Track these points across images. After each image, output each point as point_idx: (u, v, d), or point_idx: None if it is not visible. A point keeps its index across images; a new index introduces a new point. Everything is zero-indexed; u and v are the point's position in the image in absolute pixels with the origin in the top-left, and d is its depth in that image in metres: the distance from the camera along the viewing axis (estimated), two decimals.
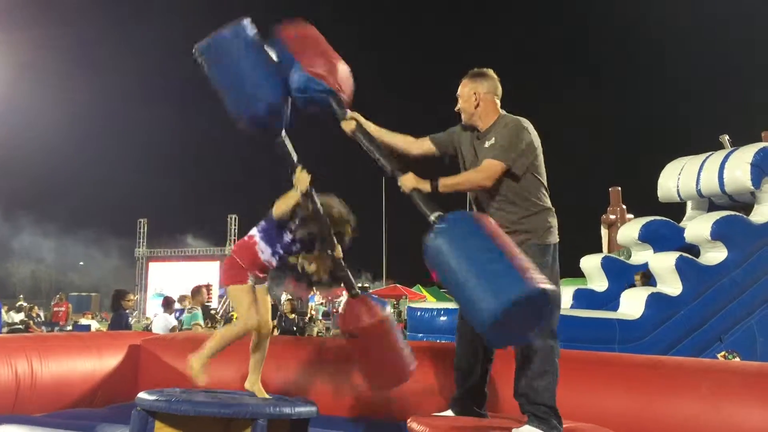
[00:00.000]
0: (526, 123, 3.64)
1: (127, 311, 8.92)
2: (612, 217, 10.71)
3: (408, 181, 3.35)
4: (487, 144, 3.60)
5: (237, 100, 3.53)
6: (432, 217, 3.12)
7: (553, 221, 3.59)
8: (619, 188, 10.82)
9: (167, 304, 10.04)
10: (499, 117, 3.67)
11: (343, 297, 3.99)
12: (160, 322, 9.36)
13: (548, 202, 3.61)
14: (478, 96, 3.67)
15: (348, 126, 3.56)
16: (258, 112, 3.49)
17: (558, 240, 3.60)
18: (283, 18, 3.67)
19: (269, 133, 3.61)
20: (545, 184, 3.62)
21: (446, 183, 3.44)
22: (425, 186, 3.36)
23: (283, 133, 3.69)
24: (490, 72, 3.75)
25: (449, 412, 3.67)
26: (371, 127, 3.64)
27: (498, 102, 3.73)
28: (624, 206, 10.78)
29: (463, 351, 3.68)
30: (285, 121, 3.63)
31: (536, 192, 3.55)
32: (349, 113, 3.60)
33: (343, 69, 3.64)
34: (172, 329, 8.97)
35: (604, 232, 11.37)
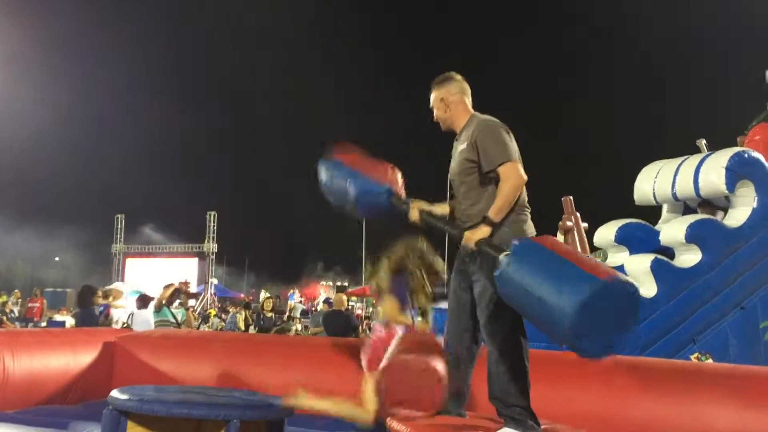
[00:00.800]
0: (497, 121, 3.67)
1: (96, 308, 8.77)
2: (569, 223, 10.80)
3: (471, 239, 3.42)
4: (461, 146, 3.65)
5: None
6: (503, 257, 3.17)
7: (522, 217, 3.60)
8: (571, 197, 10.94)
9: (143, 301, 9.95)
10: (470, 117, 3.71)
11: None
12: (140, 318, 9.25)
13: (522, 203, 3.62)
14: (446, 101, 3.73)
15: (414, 215, 3.75)
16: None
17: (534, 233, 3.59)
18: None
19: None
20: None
21: (494, 214, 3.44)
22: (485, 232, 3.42)
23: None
24: (453, 75, 3.80)
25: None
26: (432, 208, 3.82)
27: (468, 102, 3.78)
28: (578, 213, 10.91)
29: (450, 349, 3.68)
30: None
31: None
32: (411, 203, 3.81)
33: (392, 170, 3.96)
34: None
35: (560, 239, 11.49)
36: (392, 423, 3.26)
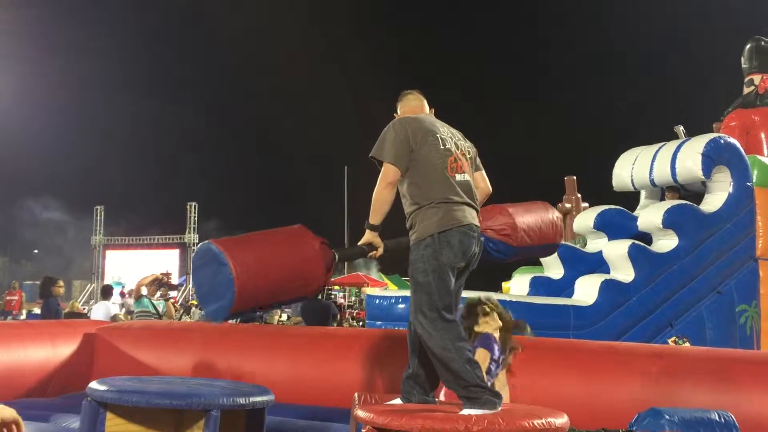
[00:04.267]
0: (397, 121, 3.78)
1: (58, 298, 8.74)
2: (567, 206, 10.87)
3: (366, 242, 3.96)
4: None
5: None
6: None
7: (430, 213, 3.59)
8: (574, 177, 10.96)
9: (105, 292, 10.01)
10: None
11: None
12: (100, 309, 9.20)
13: (427, 198, 3.61)
14: (396, 117, 3.95)
15: (378, 253, 4.13)
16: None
17: (440, 229, 3.55)
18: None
19: None
20: (430, 176, 3.64)
21: (372, 217, 3.80)
22: (366, 235, 3.92)
23: None
24: (403, 92, 4.08)
25: (397, 400, 3.73)
26: (387, 243, 4.13)
27: (407, 110, 3.98)
28: (579, 195, 10.94)
29: (409, 336, 3.74)
30: None
31: (417, 188, 3.64)
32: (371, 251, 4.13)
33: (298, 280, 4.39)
34: (113, 318, 8.85)
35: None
36: (357, 411, 3.31)
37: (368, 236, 3.90)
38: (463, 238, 3.57)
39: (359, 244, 4.00)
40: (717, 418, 3.48)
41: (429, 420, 3.05)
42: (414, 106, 3.99)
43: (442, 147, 3.72)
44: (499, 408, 3.28)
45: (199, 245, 4.26)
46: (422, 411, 3.29)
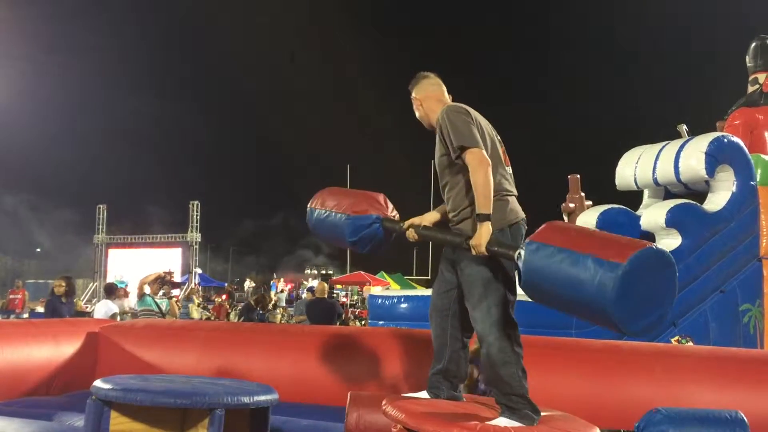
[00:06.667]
0: (456, 106, 3.62)
1: (60, 297, 8.76)
2: (571, 204, 10.83)
3: (478, 242, 3.31)
4: (437, 142, 3.63)
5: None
6: (517, 255, 3.16)
7: (498, 205, 3.50)
8: (578, 176, 10.93)
9: (109, 290, 10.10)
10: (441, 109, 3.66)
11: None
12: (101, 308, 9.29)
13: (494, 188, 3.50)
14: (419, 99, 3.76)
15: (411, 234, 3.73)
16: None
17: (510, 222, 3.53)
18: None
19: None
20: (496, 166, 3.54)
21: (481, 209, 3.36)
22: (486, 231, 3.32)
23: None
24: (422, 74, 3.82)
25: (424, 393, 3.65)
26: (426, 221, 3.77)
27: (442, 95, 3.77)
28: (583, 194, 10.90)
29: (434, 333, 3.68)
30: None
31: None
32: (404, 224, 3.77)
33: (375, 196, 3.95)
34: (113, 316, 8.88)
35: (564, 220, 11.53)
36: (386, 407, 3.24)
37: (486, 230, 3.33)
38: (523, 232, 3.54)
39: (486, 242, 3.34)
40: (728, 417, 3.41)
41: (465, 429, 2.94)
42: (440, 92, 3.77)
43: (497, 137, 3.67)
44: (536, 424, 3.19)
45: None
46: (456, 416, 3.16)
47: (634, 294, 2.89)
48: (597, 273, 2.87)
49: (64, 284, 8.75)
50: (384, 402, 3.31)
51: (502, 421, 3.16)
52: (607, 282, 2.84)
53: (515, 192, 3.64)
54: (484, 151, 3.43)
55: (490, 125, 3.70)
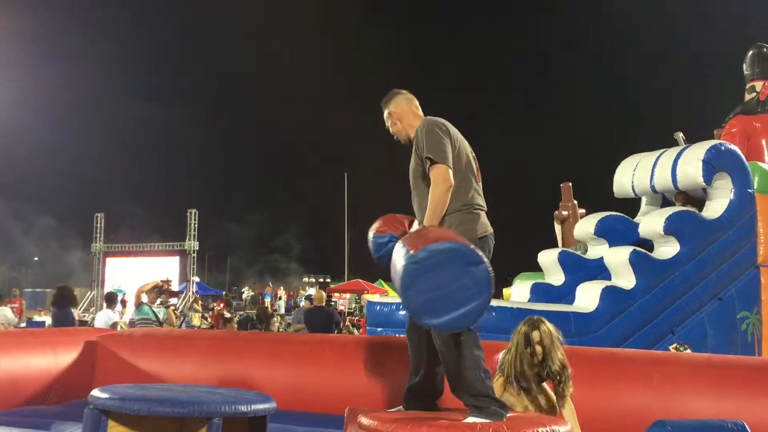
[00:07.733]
0: (436, 120, 3.70)
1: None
2: (564, 213, 10.84)
3: None
4: (413, 157, 3.72)
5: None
6: None
7: (468, 218, 3.63)
8: (570, 184, 10.95)
9: (109, 299, 10.18)
10: (419, 124, 3.75)
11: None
12: (102, 317, 9.35)
13: (465, 202, 3.63)
14: (395, 114, 3.86)
15: None
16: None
17: (479, 235, 3.62)
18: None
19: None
20: (467, 181, 3.66)
21: (427, 221, 3.51)
22: None
23: None
24: (396, 90, 3.94)
25: (401, 408, 3.73)
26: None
27: (418, 112, 3.88)
28: (575, 201, 10.92)
29: (411, 349, 3.78)
30: None
31: (456, 189, 3.58)
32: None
33: (399, 217, 4.13)
34: (113, 325, 8.89)
35: (557, 228, 11.54)
36: (361, 419, 3.30)
37: None
38: (491, 245, 3.65)
39: None
40: (732, 428, 3.40)
41: (434, 428, 3.04)
42: (415, 107, 3.91)
43: (471, 153, 3.77)
44: (505, 419, 3.27)
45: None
46: (426, 419, 3.28)
47: (428, 286, 3.07)
48: (403, 260, 3.15)
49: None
50: (359, 415, 3.38)
51: (471, 420, 3.25)
52: (402, 269, 3.12)
53: (485, 207, 3.74)
54: (450, 171, 3.53)
55: (466, 141, 3.81)
